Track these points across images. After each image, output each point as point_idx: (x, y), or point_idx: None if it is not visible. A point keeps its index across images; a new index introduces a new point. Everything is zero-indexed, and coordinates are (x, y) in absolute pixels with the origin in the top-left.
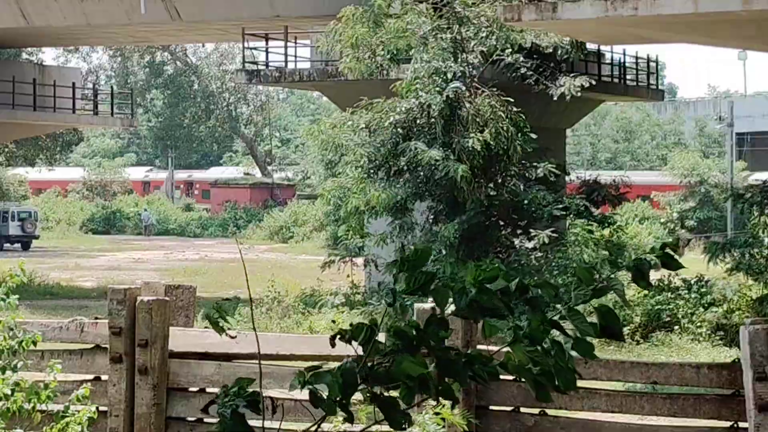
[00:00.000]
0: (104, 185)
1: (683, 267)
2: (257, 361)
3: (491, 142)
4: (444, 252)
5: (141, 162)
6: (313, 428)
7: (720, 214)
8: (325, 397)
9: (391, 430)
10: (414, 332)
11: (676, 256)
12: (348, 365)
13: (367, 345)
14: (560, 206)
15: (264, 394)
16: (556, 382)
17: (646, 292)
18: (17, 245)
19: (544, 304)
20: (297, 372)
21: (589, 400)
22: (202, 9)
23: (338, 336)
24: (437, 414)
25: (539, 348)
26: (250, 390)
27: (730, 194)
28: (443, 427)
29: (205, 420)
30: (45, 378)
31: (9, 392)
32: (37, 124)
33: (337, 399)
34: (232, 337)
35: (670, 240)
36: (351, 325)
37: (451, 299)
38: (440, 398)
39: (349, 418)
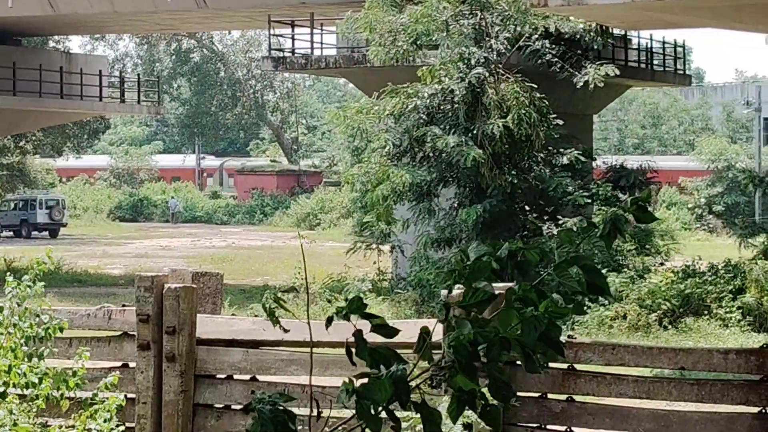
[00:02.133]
0: (131, 173)
1: (657, 219)
2: (283, 348)
3: (513, 128)
4: (464, 236)
5: (168, 149)
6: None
7: (747, 200)
8: (373, 413)
9: None
10: (471, 348)
11: (649, 209)
12: (400, 372)
13: (422, 353)
14: (587, 194)
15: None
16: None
17: (673, 278)
18: (45, 233)
19: (533, 269)
20: (343, 382)
21: (616, 387)
22: None
23: (334, 315)
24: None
25: (531, 311)
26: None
27: (756, 178)
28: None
29: (233, 407)
30: (73, 365)
31: (37, 380)
32: (64, 112)
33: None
34: (286, 331)
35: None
36: (346, 300)
37: None
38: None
39: (397, 426)
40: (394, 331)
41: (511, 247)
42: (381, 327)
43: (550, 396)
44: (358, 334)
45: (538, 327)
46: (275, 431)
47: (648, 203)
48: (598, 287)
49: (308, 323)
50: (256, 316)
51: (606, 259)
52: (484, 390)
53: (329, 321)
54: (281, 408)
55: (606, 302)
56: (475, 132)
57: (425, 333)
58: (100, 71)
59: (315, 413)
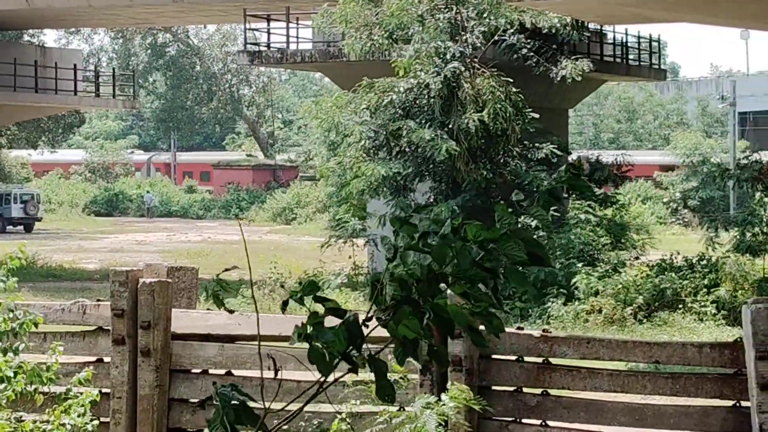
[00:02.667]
0: (106, 167)
1: (590, 188)
2: (258, 343)
3: (489, 123)
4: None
5: (144, 144)
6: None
7: (723, 194)
8: (327, 355)
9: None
10: (415, 284)
11: (583, 179)
12: (352, 318)
13: (375, 298)
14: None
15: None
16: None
17: (649, 272)
18: (20, 227)
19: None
20: (295, 326)
21: (591, 380)
22: None
23: (289, 299)
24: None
25: (478, 287)
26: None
27: (727, 172)
28: (456, 408)
29: (208, 403)
30: (47, 360)
31: (11, 375)
32: (39, 106)
33: (340, 353)
34: (231, 312)
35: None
36: (300, 283)
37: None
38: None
39: (354, 369)
40: (344, 313)
41: (453, 223)
42: (334, 310)
43: (525, 390)
44: (313, 315)
45: (470, 254)
46: (235, 416)
47: (581, 172)
48: (537, 257)
49: (256, 314)
50: (231, 311)
51: (582, 253)
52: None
53: (284, 305)
54: (240, 396)
55: (581, 296)
56: (450, 126)
57: (375, 281)
58: (75, 65)
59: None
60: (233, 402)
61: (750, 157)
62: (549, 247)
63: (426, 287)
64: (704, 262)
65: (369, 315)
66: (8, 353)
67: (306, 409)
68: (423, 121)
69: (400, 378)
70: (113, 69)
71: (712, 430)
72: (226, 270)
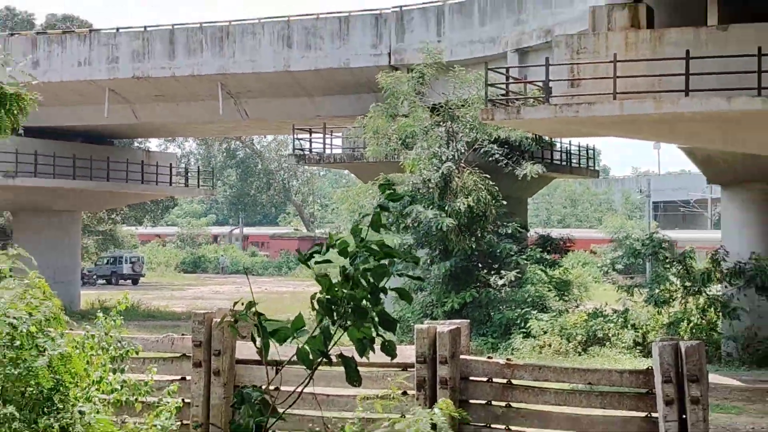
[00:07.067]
0: (192, 237)
1: (400, 196)
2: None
3: (473, 206)
4: (435, 285)
5: (219, 221)
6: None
7: (641, 262)
8: (310, 353)
9: None
10: (364, 302)
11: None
12: (324, 326)
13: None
14: (524, 255)
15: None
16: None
17: (585, 317)
18: (129, 281)
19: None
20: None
21: (542, 396)
22: (264, 111)
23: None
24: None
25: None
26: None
27: (636, 251)
28: (443, 416)
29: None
30: (145, 378)
31: (119, 387)
32: (143, 194)
33: (320, 351)
34: (243, 337)
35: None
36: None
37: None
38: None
39: (329, 362)
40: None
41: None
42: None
43: (493, 403)
44: (298, 318)
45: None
46: (256, 409)
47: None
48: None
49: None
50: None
51: (537, 302)
52: None
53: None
54: (260, 395)
55: (535, 334)
56: (446, 208)
57: (312, 299)
58: (171, 164)
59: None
60: (255, 401)
61: (653, 236)
62: (512, 296)
63: (373, 300)
64: (624, 311)
65: (336, 322)
66: (116, 372)
67: (326, 415)
68: (425, 204)
69: (402, 394)
70: (198, 167)
71: None
72: (235, 303)
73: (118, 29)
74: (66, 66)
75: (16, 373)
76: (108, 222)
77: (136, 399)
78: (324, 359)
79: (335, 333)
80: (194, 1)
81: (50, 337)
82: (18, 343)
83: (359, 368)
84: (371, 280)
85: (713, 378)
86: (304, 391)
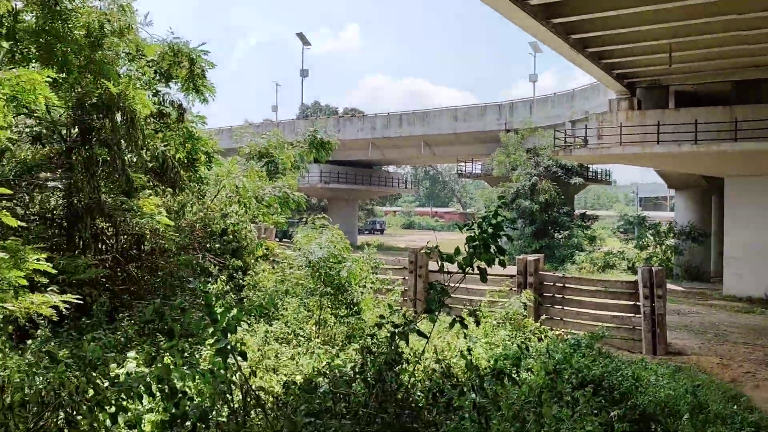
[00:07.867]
0: (408, 213)
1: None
2: (460, 273)
3: (548, 198)
4: (525, 239)
5: (420, 205)
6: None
7: (633, 227)
8: (463, 264)
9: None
10: (489, 241)
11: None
12: (470, 251)
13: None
14: (572, 223)
15: None
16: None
17: (604, 254)
18: (378, 233)
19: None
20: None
21: (580, 293)
22: (444, 152)
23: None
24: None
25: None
26: None
27: (627, 220)
28: (527, 299)
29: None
30: (385, 277)
31: (374, 281)
32: (386, 191)
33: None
34: (431, 259)
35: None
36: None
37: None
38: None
39: (473, 271)
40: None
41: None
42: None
43: (555, 295)
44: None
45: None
46: (439, 291)
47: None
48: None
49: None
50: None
51: (578, 246)
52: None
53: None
54: (441, 286)
55: (577, 263)
56: (533, 199)
57: (466, 242)
58: (398, 178)
59: None
60: (438, 288)
61: (639, 214)
62: (565, 244)
63: (493, 240)
64: (622, 251)
65: (476, 250)
66: (373, 274)
67: (470, 298)
68: (523, 198)
69: (509, 290)
70: (409, 178)
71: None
72: (428, 243)
73: (376, 114)
74: (350, 131)
75: (332, 273)
76: (370, 204)
77: (383, 287)
78: (470, 269)
79: (476, 256)
80: (399, 94)
81: (344, 257)
82: (332, 261)
83: (487, 275)
84: (493, 230)
85: (669, 286)
86: (460, 285)
